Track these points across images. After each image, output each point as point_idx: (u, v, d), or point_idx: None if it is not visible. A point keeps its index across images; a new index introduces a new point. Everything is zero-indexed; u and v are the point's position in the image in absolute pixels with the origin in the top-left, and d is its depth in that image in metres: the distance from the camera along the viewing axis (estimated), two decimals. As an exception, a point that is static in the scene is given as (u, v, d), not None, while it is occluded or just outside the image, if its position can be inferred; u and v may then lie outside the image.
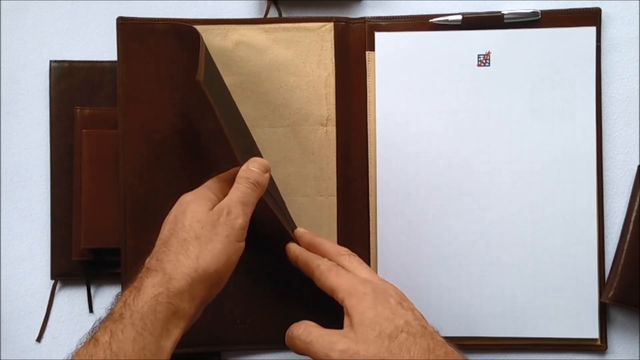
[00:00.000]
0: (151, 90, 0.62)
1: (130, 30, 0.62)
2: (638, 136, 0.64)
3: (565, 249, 0.62)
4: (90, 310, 0.65)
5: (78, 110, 0.64)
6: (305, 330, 0.50)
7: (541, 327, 0.62)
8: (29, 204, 0.66)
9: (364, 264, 0.54)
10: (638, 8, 0.65)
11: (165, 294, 0.46)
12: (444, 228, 0.63)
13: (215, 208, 0.51)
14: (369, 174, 0.64)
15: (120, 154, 0.62)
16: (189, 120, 0.62)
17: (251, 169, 0.53)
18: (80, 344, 0.46)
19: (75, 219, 0.63)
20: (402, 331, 0.47)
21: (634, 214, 0.62)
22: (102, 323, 0.46)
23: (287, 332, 0.52)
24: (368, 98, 0.64)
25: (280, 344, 0.63)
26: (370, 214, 0.63)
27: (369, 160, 0.64)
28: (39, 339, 0.65)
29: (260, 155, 0.61)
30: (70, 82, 0.65)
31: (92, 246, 0.63)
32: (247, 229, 0.51)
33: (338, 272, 0.52)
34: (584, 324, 0.62)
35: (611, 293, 0.61)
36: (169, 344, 0.46)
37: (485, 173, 0.63)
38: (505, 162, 0.63)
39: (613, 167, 0.64)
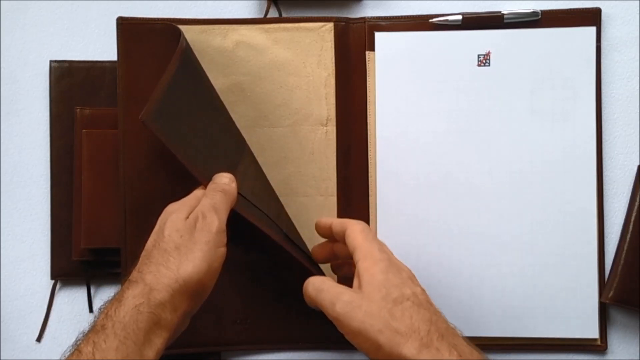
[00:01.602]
0: (151, 90, 0.62)
1: (130, 30, 0.62)
2: (638, 136, 0.64)
3: (565, 249, 0.62)
4: (90, 310, 0.65)
5: (78, 110, 0.64)
6: (320, 280, 0.52)
7: (541, 327, 0.62)
8: (29, 204, 0.66)
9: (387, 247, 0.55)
10: (638, 8, 0.65)
11: (146, 304, 0.46)
12: (444, 228, 0.63)
13: (191, 215, 0.51)
14: (369, 174, 0.64)
15: (120, 154, 0.62)
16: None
17: (217, 182, 0.54)
18: (63, 356, 0.46)
19: (75, 219, 0.63)
20: (407, 299, 0.48)
21: (634, 214, 0.62)
22: (85, 335, 0.46)
23: (305, 282, 0.53)
24: (368, 98, 0.64)
25: (280, 344, 0.64)
26: (370, 214, 0.63)
27: (369, 160, 0.64)
28: (39, 339, 0.65)
29: (253, 157, 0.61)
30: (71, 82, 0.65)
31: (92, 246, 0.63)
32: (225, 233, 0.51)
33: (367, 236, 0.53)
34: (584, 324, 0.62)
35: (611, 293, 0.61)
36: (151, 353, 0.46)
37: (485, 173, 0.63)
38: (505, 162, 0.63)
39: (613, 167, 0.64)
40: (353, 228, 0.54)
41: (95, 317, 0.48)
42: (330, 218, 0.58)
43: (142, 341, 0.46)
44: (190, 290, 0.48)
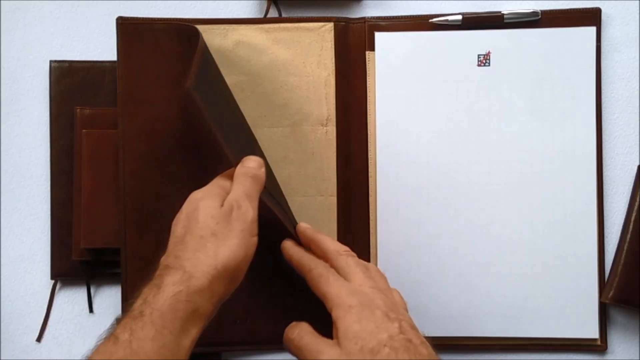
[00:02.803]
0: (151, 90, 0.62)
1: (130, 30, 0.62)
2: (638, 136, 0.64)
3: (565, 249, 0.62)
4: (90, 310, 0.65)
5: (78, 110, 0.64)
6: (298, 335, 0.50)
7: (541, 327, 0.62)
8: (28, 204, 0.66)
9: (362, 265, 0.53)
10: (638, 8, 0.65)
11: (185, 292, 0.46)
12: (444, 228, 0.63)
13: (225, 203, 0.51)
14: (369, 174, 0.64)
15: (120, 153, 0.62)
16: (189, 120, 0.62)
17: (246, 165, 0.53)
18: (100, 341, 0.45)
19: (75, 219, 0.63)
20: (384, 345, 0.46)
21: (634, 214, 0.62)
22: (122, 320, 0.46)
23: (284, 333, 0.52)
24: (368, 98, 0.64)
25: (280, 344, 0.64)
26: (370, 214, 0.63)
27: (369, 160, 0.64)
28: (39, 339, 0.65)
29: (263, 155, 0.61)
30: (70, 82, 0.65)
31: (92, 246, 0.62)
32: (257, 222, 0.51)
33: (327, 280, 0.51)
34: (584, 324, 0.62)
35: (611, 293, 0.61)
36: (187, 343, 0.46)
37: (485, 173, 0.63)
38: (505, 162, 0.63)
39: (613, 167, 0.64)
40: (311, 275, 0.52)
41: (132, 300, 0.47)
42: (290, 248, 0.56)
43: (179, 331, 0.45)
44: (227, 277, 0.48)
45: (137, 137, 0.62)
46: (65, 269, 0.64)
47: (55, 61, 0.65)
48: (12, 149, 0.66)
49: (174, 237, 0.50)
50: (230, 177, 0.54)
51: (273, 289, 0.63)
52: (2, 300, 0.65)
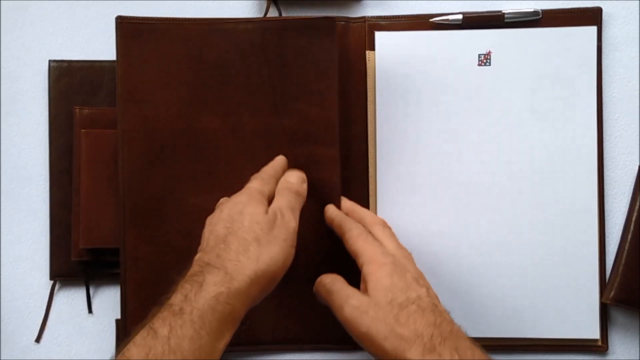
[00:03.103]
0: (150, 89, 0.62)
1: (129, 29, 0.62)
2: (639, 136, 0.64)
3: (565, 249, 0.62)
4: (90, 310, 0.65)
5: (77, 110, 0.64)
6: (332, 281, 0.53)
7: (541, 327, 0.62)
8: (28, 204, 0.66)
9: (395, 238, 0.56)
10: (638, 8, 0.65)
11: (225, 293, 0.46)
12: (444, 228, 0.63)
13: (270, 211, 0.52)
14: (369, 174, 0.63)
15: (119, 153, 0.62)
16: (189, 120, 0.62)
17: (289, 180, 0.56)
18: (136, 332, 0.45)
19: (74, 219, 0.63)
20: (412, 303, 0.49)
21: (634, 214, 0.62)
22: (161, 313, 0.46)
23: (317, 279, 0.55)
24: (368, 98, 0.64)
25: (280, 345, 0.64)
26: (371, 214, 0.63)
27: (369, 160, 0.63)
28: (37, 340, 0.65)
29: None
30: (70, 82, 0.65)
31: (91, 246, 0.62)
32: (296, 235, 0.53)
33: (366, 239, 0.54)
34: (585, 325, 0.62)
35: (612, 293, 0.61)
36: (221, 346, 0.46)
37: (485, 173, 0.63)
38: (505, 162, 0.63)
39: (614, 167, 0.64)
40: (350, 234, 0.55)
41: (170, 293, 0.47)
42: (334, 211, 0.59)
43: (216, 333, 0.46)
44: (264, 283, 0.49)
45: (136, 137, 0.62)
46: (65, 270, 0.64)
47: (55, 61, 0.65)
48: (12, 148, 0.66)
49: (215, 235, 0.51)
50: (267, 183, 0.55)
51: (273, 290, 0.63)
52: (1, 300, 0.65)
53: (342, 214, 0.59)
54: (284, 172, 0.58)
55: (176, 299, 0.46)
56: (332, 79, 0.61)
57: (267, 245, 0.50)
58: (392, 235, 0.56)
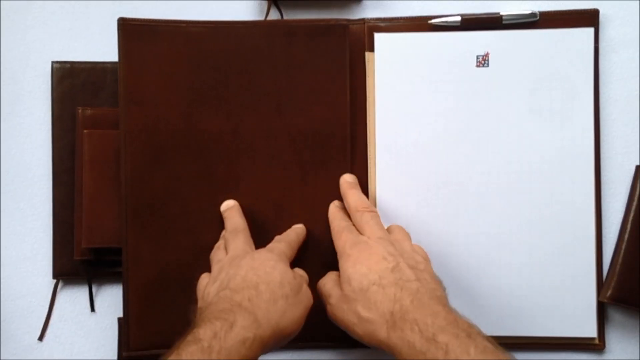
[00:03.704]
0: (152, 91, 0.62)
1: (131, 31, 0.63)
2: (636, 136, 0.65)
3: (563, 249, 0.62)
4: (92, 309, 0.65)
5: (80, 110, 0.64)
6: (323, 281, 0.57)
7: (539, 325, 0.62)
8: (31, 203, 0.66)
9: (376, 221, 0.57)
10: (636, 9, 0.65)
11: (251, 339, 0.47)
12: (443, 227, 0.63)
13: (297, 276, 0.54)
14: (369, 174, 0.64)
15: (121, 154, 0.62)
16: (190, 121, 0.63)
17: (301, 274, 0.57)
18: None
19: (77, 219, 0.63)
20: (373, 284, 0.51)
21: (631, 214, 0.63)
22: (189, 346, 0.46)
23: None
24: (368, 98, 0.64)
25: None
26: (370, 214, 0.64)
27: (369, 161, 0.64)
28: (40, 338, 0.65)
29: None
30: (72, 83, 0.65)
31: (93, 245, 0.63)
32: None
33: (340, 234, 0.57)
34: (582, 323, 0.62)
35: (609, 292, 0.62)
36: None
37: (483, 173, 0.63)
38: (503, 162, 0.63)
39: (611, 167, 0.64)
40: (333, 230, 0.59)
41: (197, 325, 0.48)
42: (330, 208, 0.61)
43: None
44: (280, 338, 0.50)
45: (138, 137, 0.62)
46: (67, 269, 0.65)
47: (57, 62, 0.66)
48: (15, 149, 0.67)
49: (239, 277, 0.52)
50: (291, 249, 0.58)
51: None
52: (4, 299, 0.66)
53: (332, 207, 0.61)
54: (303, 240, 0.61)
55: (205, 334, 0.46)
56: (343, 80, 0.62)
57: (292, 305, 0.51)
58: (373, 217, 0.58)
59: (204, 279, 0.57)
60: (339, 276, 0.55)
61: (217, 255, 0.58)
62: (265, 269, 0.52)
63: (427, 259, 0.56)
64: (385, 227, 0.59)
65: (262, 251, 0.56)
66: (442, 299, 0.51)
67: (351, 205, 0.59)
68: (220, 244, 0.60)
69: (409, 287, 0.50)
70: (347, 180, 0.62)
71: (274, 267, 0.53)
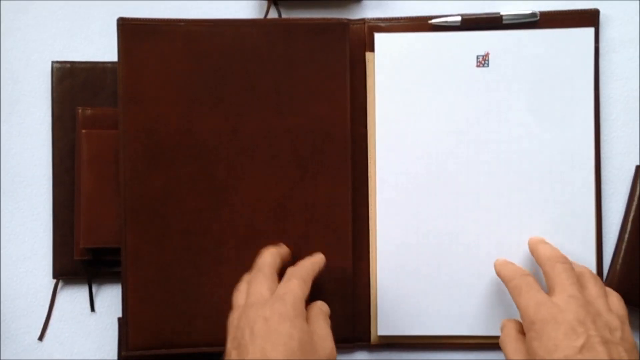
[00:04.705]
0: (152, 90, 0.62)
1: (131, 31, 0.63)
2: (636, 136, 0.65)
3: (563, 249, 0.62)
4: (92, 309, 0.65)
5: (79, 110, 0.64)
6: (504, 335, 0.56)
7: (539, 326, 0.62)
8: (30, 203, 0.66)
9: (570, 272, 0.54)
10: (636, 9, 0.65)
11: None
12: (443, 228, 0.63)
13: (314, 335, 0.52)
14: (369, 174, 0.64)
15: (120, 154, 0.62)
16: (189, 121, 0.63)
17: (320, 307, 0.55)
18: None
19: (76, 219, 0.63)
20: None
21: (631, 214, 0.63)
22: None
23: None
24: (368, 98, 0.64)
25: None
26: (370, 214, 0.64)
27: (369, 160, 0.64)
28: (40, 338, 0.65)
29: None
30: (72, 83, 0.65)
31: (92, 246, 0.63)
32: None
33: (520, 291, 0.54)
34: (582, 323, 0.62)
35: (609, 292, 0.62)
36: None
37: (483, 173, 0.63)
38: (503, 162, 0.63)
39: (611, 167, 0.64)
40: (510, 285, 0.56)
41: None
42: (502, 263, 0.60)
43: None
44: None
45: (138, 137, 0.62)
46: (67, 269, 0.65)
47: (57, 62, 0.66)
48: (14, 149, 0.67)
49: (267, 321, 0.50)
50: (307, 286, 0.55)
51: None
52: (4, 299, 0.66)
53: (502, 263, 0.60)
54: (320, 271, 0.58)
55: None
56: (343, 79, 0.62)
57: (307, 355, 0.50)
58: (566, 269, 0.54)
59: (232, 313, 0.55)
60: (519, 331, 0.54)
61: (237, 299, 0.56)
62: (283, 340, 0.50)
63: (624, 319, 0.52)
64: (573, 268, 0.55)
65: (275, 306, 0.52)
66: None
67: (543, 256, 0.57)
68: (241, 286, 0.57)
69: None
70: (535, 237, 0.61)
71: (291, 337, 0.50)
